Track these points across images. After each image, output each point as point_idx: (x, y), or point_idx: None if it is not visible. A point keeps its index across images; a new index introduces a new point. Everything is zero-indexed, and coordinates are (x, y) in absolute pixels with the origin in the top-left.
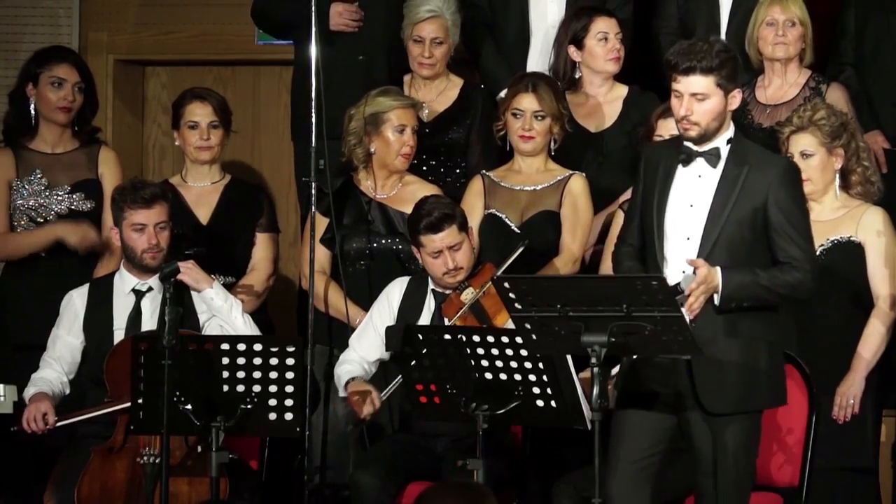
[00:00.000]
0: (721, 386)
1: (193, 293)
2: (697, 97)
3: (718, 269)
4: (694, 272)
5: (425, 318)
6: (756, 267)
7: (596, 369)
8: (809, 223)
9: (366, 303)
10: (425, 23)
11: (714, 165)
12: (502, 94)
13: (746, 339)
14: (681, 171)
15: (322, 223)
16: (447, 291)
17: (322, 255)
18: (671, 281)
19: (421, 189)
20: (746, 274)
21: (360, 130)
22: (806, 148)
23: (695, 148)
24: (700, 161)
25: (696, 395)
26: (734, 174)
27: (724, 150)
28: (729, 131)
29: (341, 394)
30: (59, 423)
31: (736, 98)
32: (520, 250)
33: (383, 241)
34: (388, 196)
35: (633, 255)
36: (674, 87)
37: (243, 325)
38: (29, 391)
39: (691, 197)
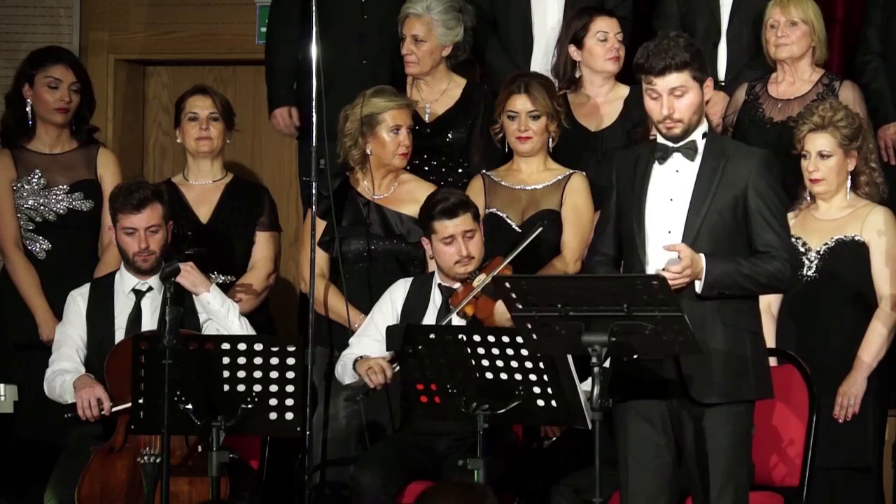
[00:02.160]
0: (708, 374)
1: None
2: (676, 93)
3: (702, 254)
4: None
5: (431, 314)
6: (738, 256)
7: (596, 369)
8: (786, 214)
9: (364, 305)
10: (408, 20)
11: (691, 159)
12: None
13: (731, 329)
14: (657, 168)
15: (320, 226)
16: (455, 286)
17: (320, 258)
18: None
19: (418, 187)
20: (729, 262)
21: (356, 132)
22: (824, 148)
23: (670, 144)
24: (677, 156)
25: (684, 385)
26: (713, 165)
27: (701, 144)
28: (704, 125)
29: (346, 380)
30: (114, 410)
31: (709, 87)
32: (538, 231)
33: (382, 243)
34: (384, 196)
35: (608, 263)
36: (649, 88)
37: (240, 330)
38: (64, 379)
39: (670, 191)
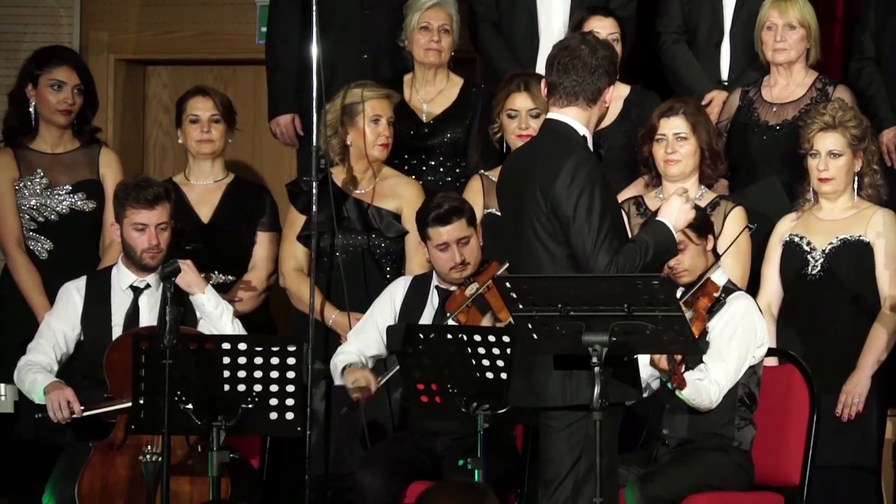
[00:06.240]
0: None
1: None
2: None
3: None
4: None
5: (428, 315)
6: None
7: (596, 369)
8: None
9: (339, 300)
10: (432, 10)
11: None
12: None
13: None
14: None
15: (300, 220)
16: (451, 288)
17: (299, 252)
18: None
19: (399, 183)
20: None
21: (336, 122)
22: (834, 147)
23: None
24: None
25: None
26: None
27: None
28: None
29: (337, 382)
30: (85, 413)
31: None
32: (504, 267)
33: (359, 238)
34: (365, 191)
35: None
36: None
37: (232, 332)
38: (35, 378)
39: None
